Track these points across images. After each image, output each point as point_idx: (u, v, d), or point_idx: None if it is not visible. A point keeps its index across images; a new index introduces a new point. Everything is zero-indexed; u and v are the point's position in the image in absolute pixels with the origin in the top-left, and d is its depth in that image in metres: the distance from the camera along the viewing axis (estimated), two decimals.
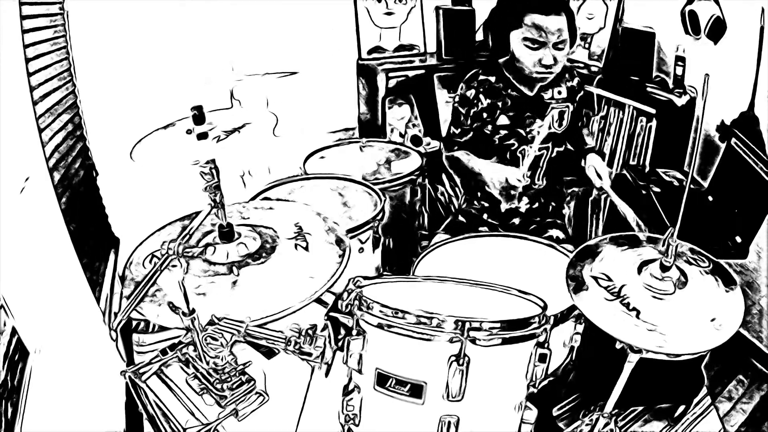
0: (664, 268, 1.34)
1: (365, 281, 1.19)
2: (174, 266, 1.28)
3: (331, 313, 1.18)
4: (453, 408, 1.09)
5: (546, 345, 1.16)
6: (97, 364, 1.72)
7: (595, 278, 1.37)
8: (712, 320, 1.28)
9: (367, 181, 2.15)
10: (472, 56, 3.01)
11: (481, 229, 2.07)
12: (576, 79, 2.01)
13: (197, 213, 1.38)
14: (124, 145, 1.39)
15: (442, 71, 3.04)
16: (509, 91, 1.95)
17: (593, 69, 2.79)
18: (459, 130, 2.01)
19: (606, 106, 2.71)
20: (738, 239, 2.12)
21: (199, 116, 1.34)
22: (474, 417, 1.11)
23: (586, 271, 1.39)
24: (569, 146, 2.06)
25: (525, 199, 2.04)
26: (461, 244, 1.84)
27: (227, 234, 1.44)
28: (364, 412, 1.15)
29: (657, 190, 2.28)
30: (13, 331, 1.24)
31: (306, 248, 1.46)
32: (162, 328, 1.97)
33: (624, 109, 2.62)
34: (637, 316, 1.27)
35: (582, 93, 2.03)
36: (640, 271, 1.38)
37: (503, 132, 1.96)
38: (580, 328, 1.55)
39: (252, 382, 1.43)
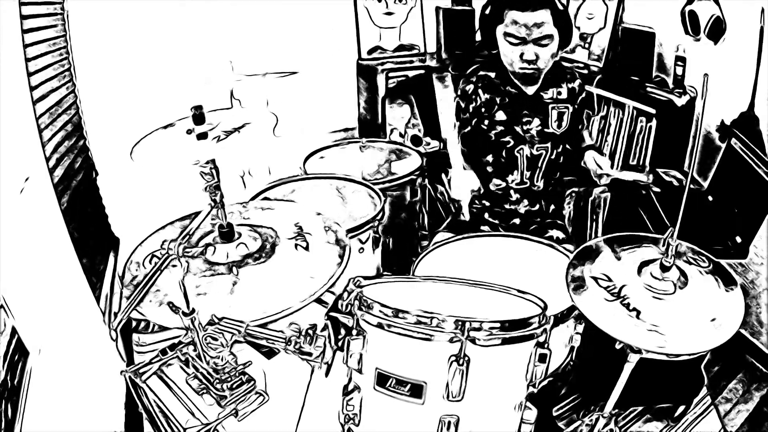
0: (664, 269, 1.34)
1: (365, 281, 1.19)
2: (174, 266, 1.28)
3: (331, 313, 1.18)
4: (453, 408, 1.09)
5: (546, 345, 1.16)
6: (97, 364, 1.72)
7: (595, 278, 1.37)
8: (713, 320, 1.29)
9: (367, 181, 2.15)
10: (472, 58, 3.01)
11: (482, 228, 2.07)
12: (577, 81, 2.01)
13: (197, 213, 1.38)
14: (124, 145, 1.39)
15: (442, 71, 3.04)
16: (508, 87, 1.96)
17: (593, 69, 2.79)
18: (460, 122, 2.02)
19: (606, 106, 2.71)
20: (738, 239, 2.12)
21: (199, 116, 1.34)
22: (474, 417, 1.11)
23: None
24: (568, 146, 2.06)
25: (525, 201, 2.05)
26: (461, 244, 1.84)
27: (227, 234, 1.44)
28: (364, 412, 1.15)
29: (657, 190, 2.28)
30: (13, 331, 1.24)
31: (306, 248, 1.46)
32: (162, 328, 1.97)
33: (624, 109, 2.62)
34: (638, 317, 1.27)
35: (583, 95, 2.03)
36: (640, 271, 1.39)
37: (499, 128, 1.97)
38: (581, 328, 1.55)
39: (252, 382, 1.43)
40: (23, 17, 1.70)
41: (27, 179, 1.55)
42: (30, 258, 1.48)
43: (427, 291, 1.34)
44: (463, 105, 2.00)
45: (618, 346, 1.28)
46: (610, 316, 1.28)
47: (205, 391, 1.42)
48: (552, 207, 2.11)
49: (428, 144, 2.97)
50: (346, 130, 3.10)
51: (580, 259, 1.45)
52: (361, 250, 1.88)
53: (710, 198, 2.25)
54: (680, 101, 2.38)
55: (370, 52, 3.02)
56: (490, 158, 2.01)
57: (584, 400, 1.89)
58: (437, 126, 3.07)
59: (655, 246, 1.45)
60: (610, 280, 1.36)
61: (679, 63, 2.41)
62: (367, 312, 1.12)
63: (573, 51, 2.88)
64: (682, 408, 1.91)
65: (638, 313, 1.28)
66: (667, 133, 2.45)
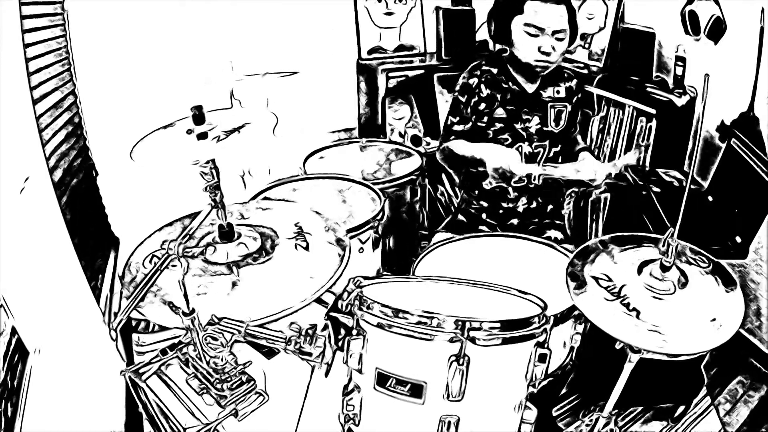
0: (664, 269, 1.34)
1: (365, 281, 1.19)
2: (174, 266, 1.28)
3: (331, 313, 1.18)
4: (453, 408, 1.09)
5: (546, 345, 1.16)
6: (97, 364, 1.72)
7: (596, 278, 1.37)
8: (713, 320, 1.29)
9: (368, 180, 2.15)
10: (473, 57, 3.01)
11: (480, 228, 2.07)
12: (575, 80, 2.02)
13: (197, 213, 1.38)
14: (124, 145, 1.38)
15: (442, 71, 3.04)
16: (510, 84, 1.96)
17: (593, 69, 2.79)
18: (458, 118, 2.01)
19: (606, 106, 2.71)
20: (738, 239, 2.12)
21: (199, 116, 1.34)
22: (474, 417, 1.11)
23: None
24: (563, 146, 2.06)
25: (523, 200, 2.04)
26: (461, 244, 1.84)
27: (227, 234, 1.44)
28: (364, 412, 1.15)
29: (657, 190, 2.28)
30: (13, 331, 1.24)
31: (306, 248, 1.46)
32: (162, 328, 1.97)
33: (624, 109, 2.62)
34: (638, 317, 1.27)
35: (580, 95, 2.04)
36: (640, 271, 1.39)
37: (498, 125, 1.97)
38: (580, 328, 1.55)
39: (252, 382, 1.43)
40: (23, 17, 1.70)
41: (27, 179, 1.55)
42: (30, 258, 1.48)
43: (427, 291, 1.34)
44: (463, 99, 1.99)
45: (618, 346, 1.28)
46: (610, 315, 1.28)
47: (205, 391, 1.42)
48: (550, 207, 2.11)
49: (428, 144, 2.98)
50: (346, 130, 3.10)
51: (580, 258, 1.44)
52: (361, 250, 1.88)
53: (710, 198, 2.25)
54: (680, 101, 2.38)
55: (370, 52, 3.02)
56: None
57: (584, 400, 1.89)
58: (437, 126, 3.07)
59: (656, 246, 1.45)
60: (610, 279, 1.36)
61: (679, 63, 2.41)
62: (367, 312, 1.12)
63: (573, 51, 2.88)
64: (682, 408, 1.91)
65: (638, 313, 1.28)
66: (667, 133, 2.45)
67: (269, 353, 1.54)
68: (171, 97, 2.22)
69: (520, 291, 1.27)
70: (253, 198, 2.00)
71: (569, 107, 2.01)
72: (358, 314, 1.14)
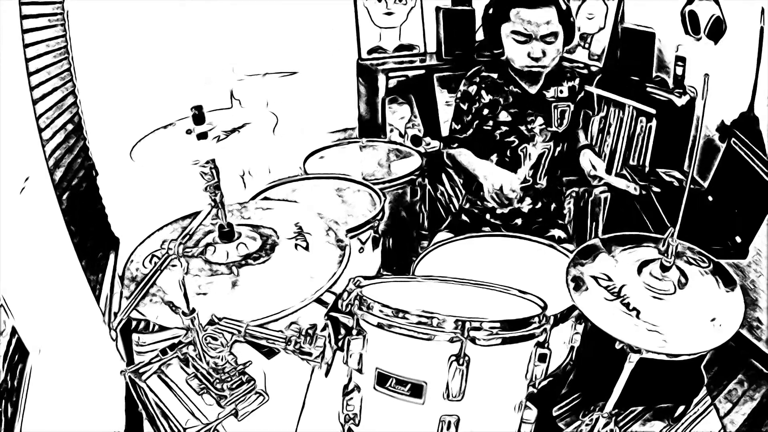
0: (664, 268, 1.34)
1: (365, 281, 1.19)
2: (174, 266, 1.28)
3: (331, 313, 1.18)
4: (453, 408, 1.09)
5: (546, 345, 1.16)
6: (97, 364, 1.72)
7: (595, 278, 1.37)
8: (713, 320, 1.29)
9: (367, 180, 2.15)
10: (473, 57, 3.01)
11: (483, 229, 2.07)
12: (577, 79, 2.02)
13: (197, 213, 1.38)
14: (124, 145, 1.38)
15: (442, 71, 3.04)
16: (511, 87, 1.96)
17: (593, 69, 2.79)
18: (460, 125, 2.02)
19: (606, 106, 2.71)
20: (738, 239, 2.12)
21: (199, 116, 1.34)
22: (474, 417, 1.11)
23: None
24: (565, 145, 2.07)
25: (528, 200, 2.04)
26: (461, 244, 1.84)
27: (227, 234, 1.44)
28: (364, 412, 1.15)
29: (657, 190, 2.28)
30: (13, 331, 1.24)
31: (306, 248, 1.46)
32: (162, 328, 1.97)
33: (624, 109, 2.62)
34: (637, 316, 1.27)
35: (582, 93, 2.03)
36: (640, 271, 1.38)
37: (504, 128, 1.97)
38: (580, 327, 1.55)
39: (252, 382, 1.43)
40: (23, 17, 1.70)
41: (27, 179, 1.55)
42: (30, 258, 1.48)
43: (427, 291, 1.34)
44: (464, 107, 1.99)
45: (618, 346, 1.28)
46: (610, 315, 1.28)
47: (205, 391, 1.42)
48: (554, 206, 2.11)
49: (428, 144, 2.97)
50: (345, 130, 3.10)
51: (580, 258, 1.44)
52: (361, 250, 1.88)
53: (710, 198, 2.25)
54: (680, 101, 2.38)
55: (370, 52, 3.02)
56: (494, 158, 2.00)
57: (584, 400, 1.89)
58: (437, 126, 3.07)
59: (656, 246, 1.45)
60: (610, 279, 1.36)
61: (679, 63, 2.41)
62: (367, 312, 1.12)
63: (573, 51, 2.88)
64: (682, 408, 1.91)
65: (638, 312, 1.28)
66: (667, 133, 2.45)
67: (269, 353, 1.54)
68: (171, 97, 2.22)
69: (520, 291, 1.27)
70: (253, 198, 2.00)
71: (572, 106, 2.00)
72: (358, 314, 1.14)
